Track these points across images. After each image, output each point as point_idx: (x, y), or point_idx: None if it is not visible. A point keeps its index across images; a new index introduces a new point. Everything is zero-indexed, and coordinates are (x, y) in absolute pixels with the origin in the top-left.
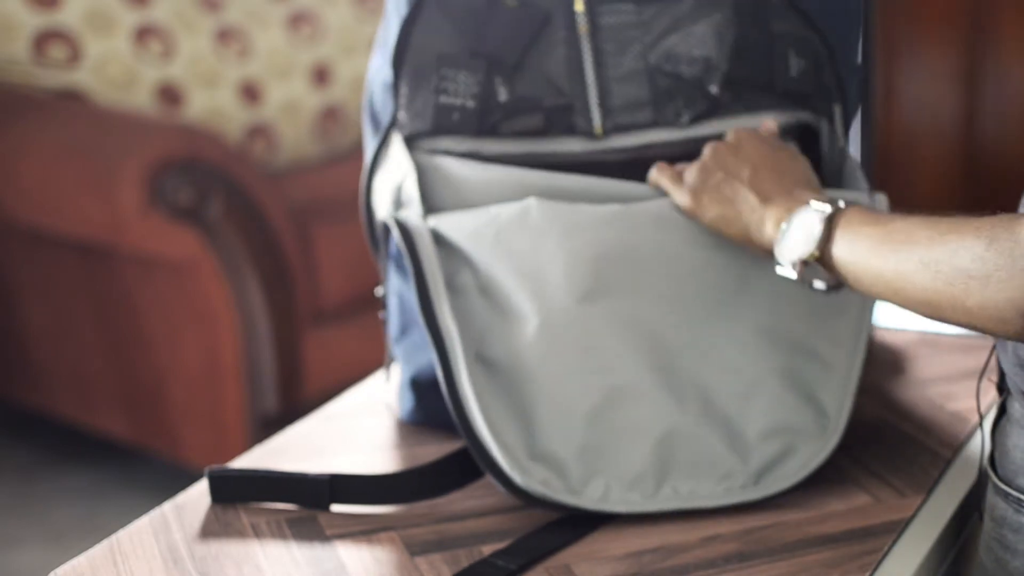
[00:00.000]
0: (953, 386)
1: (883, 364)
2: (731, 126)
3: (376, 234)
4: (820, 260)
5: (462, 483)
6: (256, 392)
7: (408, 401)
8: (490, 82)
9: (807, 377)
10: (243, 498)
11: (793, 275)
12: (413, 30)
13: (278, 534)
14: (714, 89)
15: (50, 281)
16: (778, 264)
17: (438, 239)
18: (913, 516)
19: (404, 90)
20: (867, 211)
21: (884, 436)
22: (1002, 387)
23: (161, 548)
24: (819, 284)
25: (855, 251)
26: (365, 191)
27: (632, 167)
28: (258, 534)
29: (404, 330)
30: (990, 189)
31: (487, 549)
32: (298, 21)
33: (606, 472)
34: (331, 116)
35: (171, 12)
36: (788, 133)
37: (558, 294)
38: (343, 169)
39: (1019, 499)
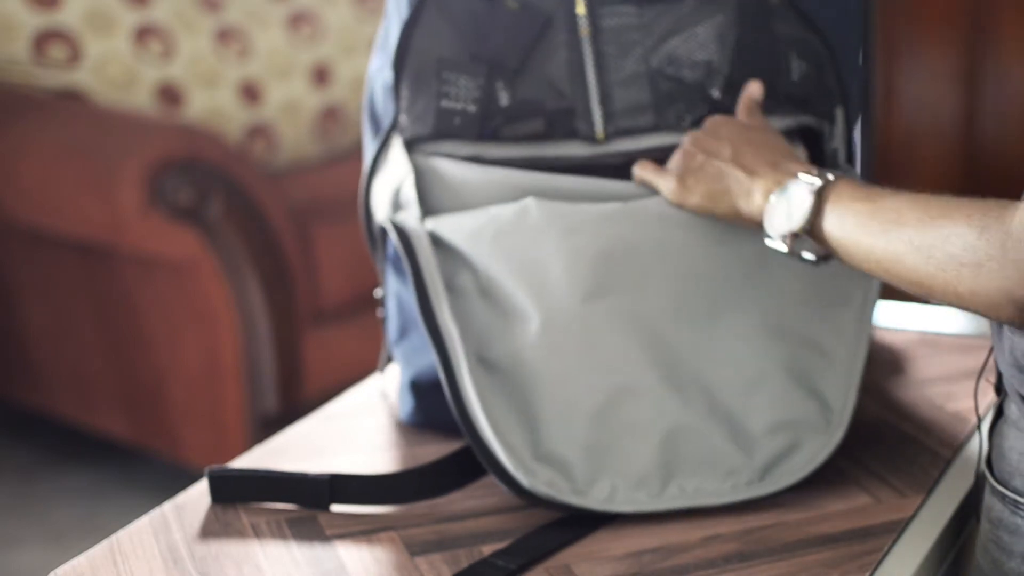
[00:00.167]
0: (953, 386)
1: (883, 364)
2: None
3: (374, 236)
4: (810, 233)
5: (462, 483)
6: (256, 392)
7: (408, 403)
8: (491, 86)
9: (810, 371)
10: (243, 498)
11: (783, 248)
12: (414, 33)
13: (278, 534)
14: (716, 93)
15: (50, 281)
16: (767, 236)
17: (436, 241)
18: (913, 516)
19: (405, 93)
20: (856, 185)
21: (884, 436)
22: (999, 388)
23: (161, 548)
24: (808, 255)
25: (845, 226)
26: (364, 193)
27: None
28: (258, 534)
29: (403, 332)
30: (990, 189)
31: (487, 549)
32: (298, 21)
33: (612, 472)
34: (331, 116)
35: (171, 12)
36: (790, 136)
37: (560, 293)
38: (343, 169)
39: (1015, 501)
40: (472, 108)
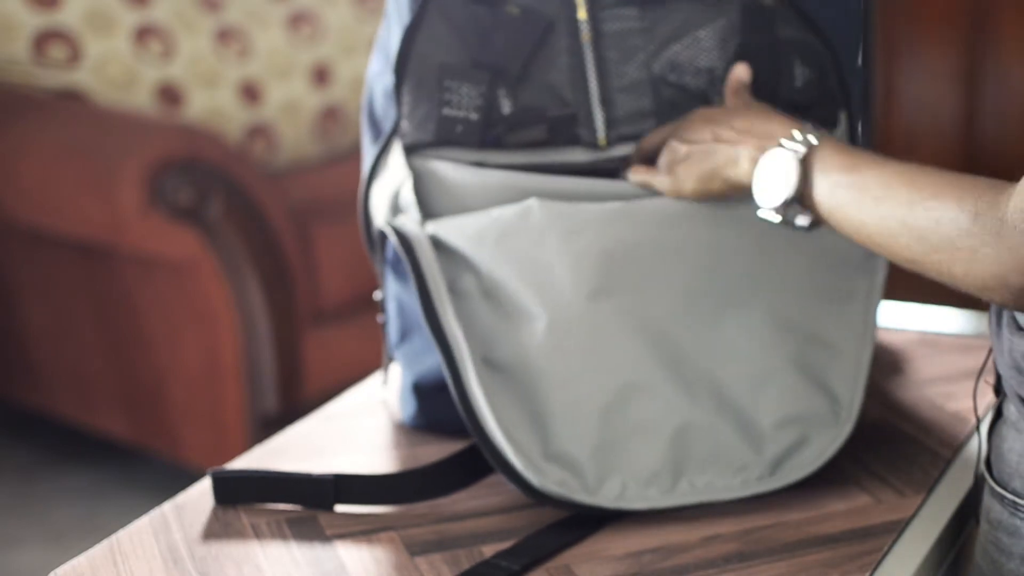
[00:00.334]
0: (953, 386)
1: (883, 364)
2: None
3: (373, 240)
4: (800, 202)
5: (466, 483)
6: (256, 392)
7: (411, 406)
8: (493, 94)
9: (817, 365)
10: (246, 499)
11: (776, 218)
12: (415, 39)
13: (278, 534)
14: (718, 100)
15: (50, 281)
16: (759, 208)
17: (437, 244)
18: (913, 516)
19: (406, 99)
20: (841, 150)
21: (884, 436)
22: (998, 389)
23: (161, 548)
24: (801, 221)
25: (834, 198)
26: (363, 198)
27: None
28: (258, 534)
29: (404, 335)
30: None
31: (487, 549)
32: (298, 21)
33: (622, 470)
34: (331, 116)
35: (171, 12)
36: None
37: (565, 293)
38: (343, 169)
39: (1015, 502)
40: (474, 116)
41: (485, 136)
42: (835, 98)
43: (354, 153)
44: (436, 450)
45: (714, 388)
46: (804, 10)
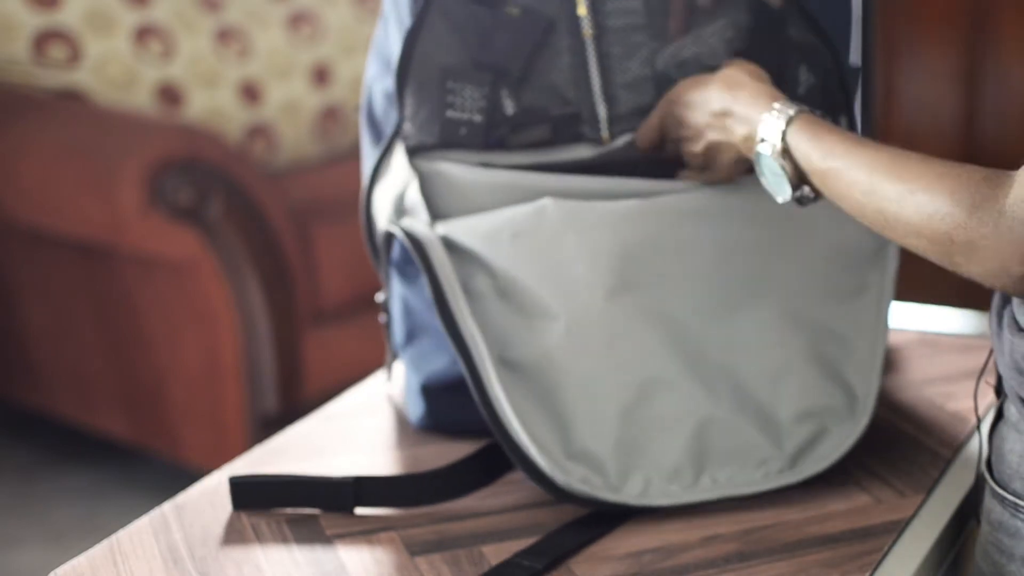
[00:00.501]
0: (953, 386)
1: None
2: None
3: (376, 242)
4: (804, 188)
5: (483, 483)
6: (256, 392)
7: (419, 408)
8: (496, 95)
9: (833, 358)
10: (264, 504)
11: (789, 198)
12: (417, 41)
13: (278, 534)
14: None
15: (50, 281)
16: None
17: (449, 245)
18: (913, 516)
19: (409, 101)
20: (817, 139)
21: (884, 436)
22: (999, 390)
23: (161, 548)
24: (810, 195)
25: (827, 188)
26: (365, 200)
27: (640, 171)
28: (258, 534)
29: (411, 337)
30: None
31: (487, 549)
32: (298, 21)
33: (644, 466)
34: (331, 116)
35: (171, 12)
36: None
37: (583, 292)
38: (343, 169)
39: (1015, 503)
40: (478, 118)
41: (489, 138)
42: (836, 103)
43: (354, 153)
44: (436, 450)
45: (733, 383)
46: (809, 11)
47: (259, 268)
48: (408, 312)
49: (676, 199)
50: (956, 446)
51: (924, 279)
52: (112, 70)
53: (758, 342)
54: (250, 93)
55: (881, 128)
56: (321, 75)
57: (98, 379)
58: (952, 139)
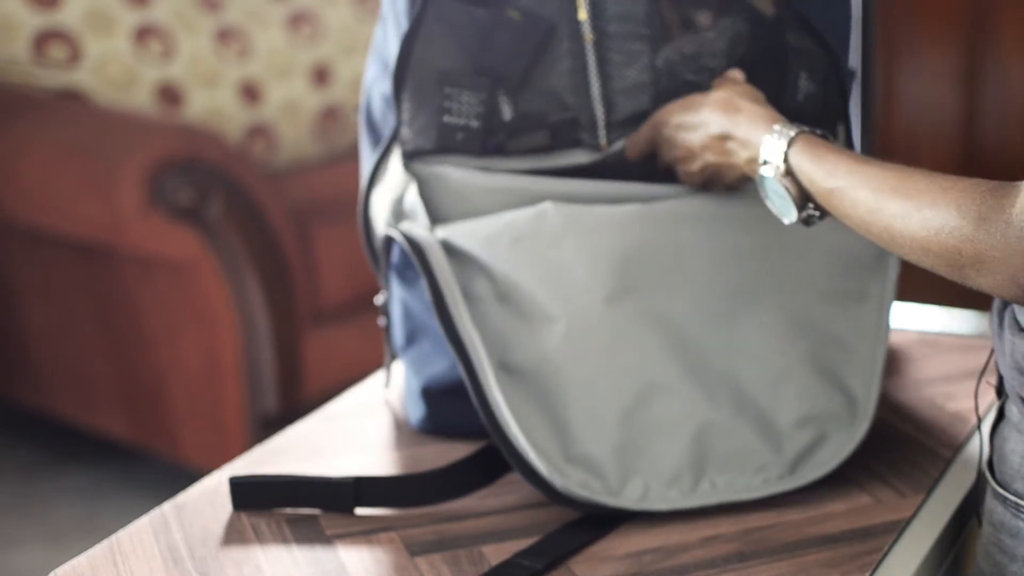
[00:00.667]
0: (953, 386)
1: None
2: None
3: (374, 245)
4: (810, 208)
5: (483, 483)
6: (256, 392)
7: (420, 410)
8: (494, 100)
9: (833, 364)
10: (265, 504)
11: (795, 220)
12: (414, 46)
13: (278, 534)
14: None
15: (50, 281)
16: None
17: (448, 249)
18: (913, 516)
19: (406, 106)
20: (815, 162)
21: (884, 436)
22: (1000, 390)
23: (161, 548)
24: (816, 215)
25: (832, 207)
26: (363, 204)
27: (638, 175)
28: (258, 534)
29: (411, 339)
30: None
31: (487, 549)
32: (298, 21)
33: (643, 471)
34: (331, 116)
35: (171, 12)
36: None
37: (583, 296)
38: (343, 169)
39: (1017, 504)
40: (475, 123)
41: (486, 143)
42: (835, 112)
43: (354, 153)
44: (436, 450)
45: (733, 388)
46: (806, 17)
47: (259, 268)
48: (408, 315)
49: (676, 204)
50: (956, 446)
51: (924, 279)
52: (112, 70)
53: (758, 347)
54: (250, 93)
55: (881, 128)
56: (321, 75)
57: (98, 379)
58: (952, 139)
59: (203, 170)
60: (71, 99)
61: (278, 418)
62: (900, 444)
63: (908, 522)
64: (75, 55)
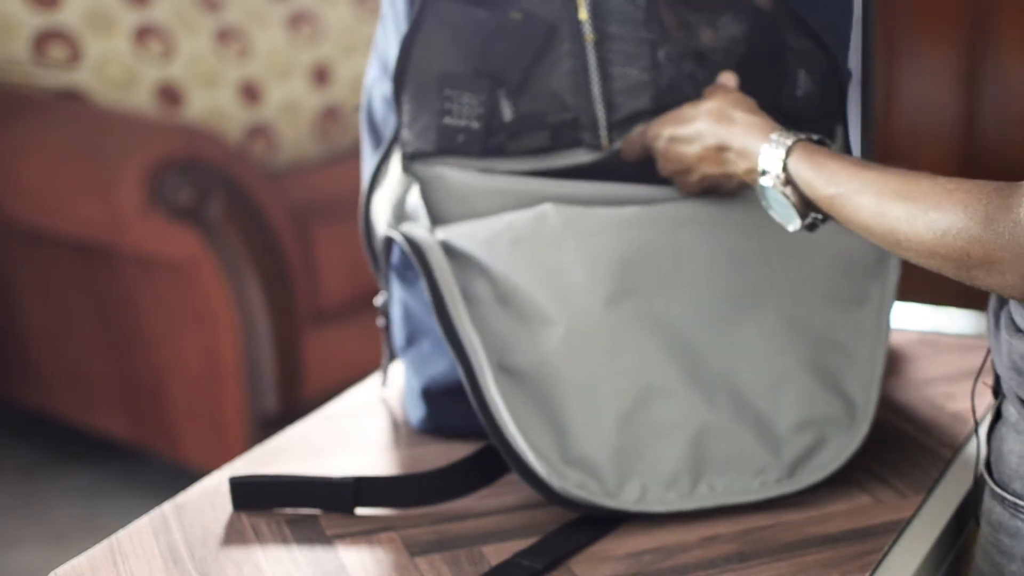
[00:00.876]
0: (953, 386)
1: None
2: None
3: (375, 247)
4: (812, 214)
5: (483, 483)
6: (256, 392)
7: (419, 411)
8: (494, 101)
9: (832, 368)
10: (265, 504)
11: (799, 227)
12: (414, 47)
13: (278, 534)
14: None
15: (50, 281)
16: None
17: (448, 250)
18: (913, 516)
19: (406, 108)
20: (815, 169)
21: (884, 436)
22: (997, 390)
23: (161, 548)
24: (820, 219)
25: (834, 213)
26: (364, 206)
27: (639, 176)
28: (258, 534)
29: (411, 340)
30: None
31: (487, 549)
32: (298, 21)
33: (641, 473)
34: (331, 116)
35: (171, 12)
36: None
37: (583, 298)
38: (343, 169)
39: (1015, 504)
40: (475, 125)
41: (487, 144)
42: (834, 112)
43: (354, 153)
44: (436, 450)
45: (732, 391)
46: (801, 16)
47: (259, 268)
48: (408, 316)
49: (675, 206)
50: (956, 446)
51: (924, 279)
52: (112, 70)
53: (758, 350)
54: (250, 93)
55: (881, 128)
56: (321, 75)
57: (98, 379)
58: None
59: (203, 170)
60: (71, 99)
61: (278, 418)
62: (900, 444)
63: (908, 522)
64: (75, 55)
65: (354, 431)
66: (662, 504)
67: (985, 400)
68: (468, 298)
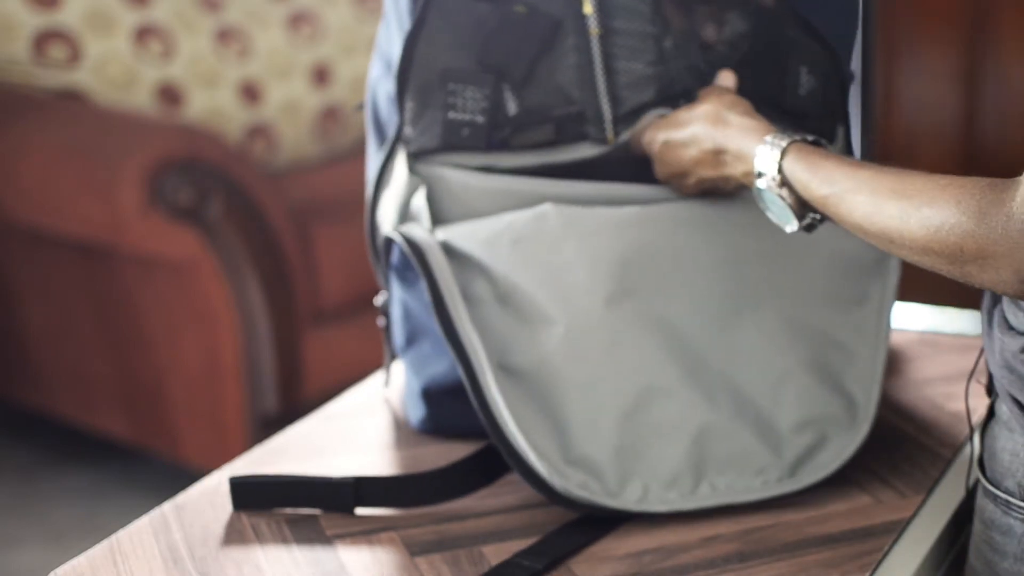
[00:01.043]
0: (953, 386)
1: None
2: None
3: (378, 244)
4: (809, 215)
5: (484, 483)
6: (256, 392)
7: (420, 411)
8: (499, 95)
9: (833, 367)
10: (265, 504)
11: (797, 228)
12: (416, 45)
13: (278, 534)
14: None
15: (50, 281)
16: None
17: (448, 250)
18: (913, 516)
19: (410, 105)
20: (810, 170)
21: (884, 436)
22: (990, 389)
23: (161, 548)
24: (817, 219)
25: (830, 214)
26: (371, 206)
27: (644, 170)
28: (258, 534)
29: (411, 340)
30: None
31: (487, 549)
32: (298, 21)
33: (643, 473)
34: (331, 116)
35: (171, 12)
36: None
37: (583, 298)
38: (343, 169)
39: (1007, 501)
40: (480, 119)
41: (492, 139)
42: (835, 111)
43: (354, 153)
44: (436, 450)
45: (732, 390)
46: (801, 13)
47: (259, 268)
48: (408, 316)
49: (676, 207)
50: (956, 446)
51: (924, 279)
52: (112, 70)
53: (758, 350)
54: (250, 93)
55: (881, 128)
56: (321, 75)
57: (98, 379)
58: (952, 139)
59: (203, 170)
60: (71, 99)
61: (278, 418)
62: (900, 444)
63: (908, 522)
64: (75, 55)
65: (354, 431)
66: (663, 504)
67: (983, 399)
68: (468, 298)
